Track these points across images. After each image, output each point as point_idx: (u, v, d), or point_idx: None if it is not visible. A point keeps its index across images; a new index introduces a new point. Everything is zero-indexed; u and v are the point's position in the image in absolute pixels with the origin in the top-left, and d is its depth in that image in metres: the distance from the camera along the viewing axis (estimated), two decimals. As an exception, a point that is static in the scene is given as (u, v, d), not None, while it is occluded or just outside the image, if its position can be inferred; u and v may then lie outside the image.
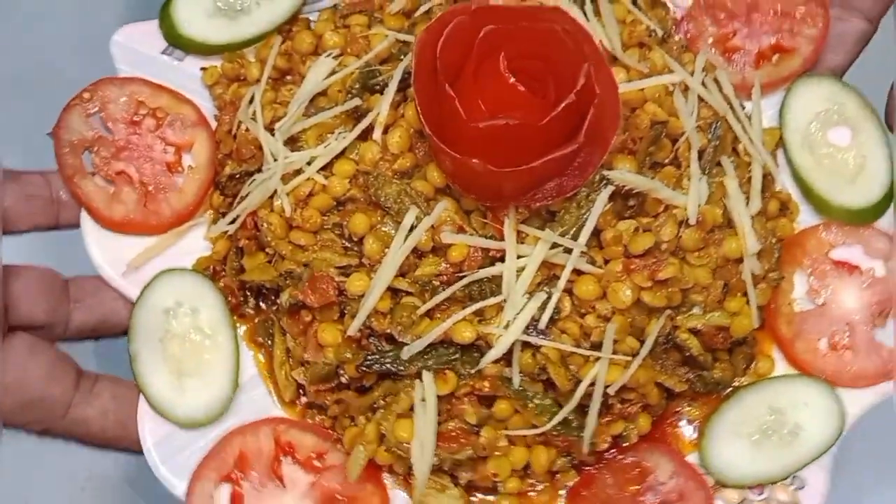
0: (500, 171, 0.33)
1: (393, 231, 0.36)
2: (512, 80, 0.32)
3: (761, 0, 0.47)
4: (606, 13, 0.41)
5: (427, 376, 0.36)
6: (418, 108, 0.33)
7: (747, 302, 0.39)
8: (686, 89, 0.40)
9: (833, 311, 0.42)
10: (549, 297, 0.36)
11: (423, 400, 0.36)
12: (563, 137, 0.33)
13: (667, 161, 0.40)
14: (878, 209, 0.43)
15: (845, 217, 0.43)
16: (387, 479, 0.39)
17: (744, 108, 0.43)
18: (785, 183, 0.44)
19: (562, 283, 0.36)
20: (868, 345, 0.41)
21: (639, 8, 0.43)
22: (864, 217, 0.43)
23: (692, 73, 0.41)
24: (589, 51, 0.34)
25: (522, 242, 0.36)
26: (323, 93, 0.39)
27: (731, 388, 0.41)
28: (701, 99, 0.41)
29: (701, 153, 0.40)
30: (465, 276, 0.36)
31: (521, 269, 0.36)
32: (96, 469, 0.55)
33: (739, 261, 0.39)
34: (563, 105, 0.32)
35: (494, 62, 0.32)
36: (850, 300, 0.42)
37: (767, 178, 0.42)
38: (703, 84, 0.41)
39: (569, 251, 0.36)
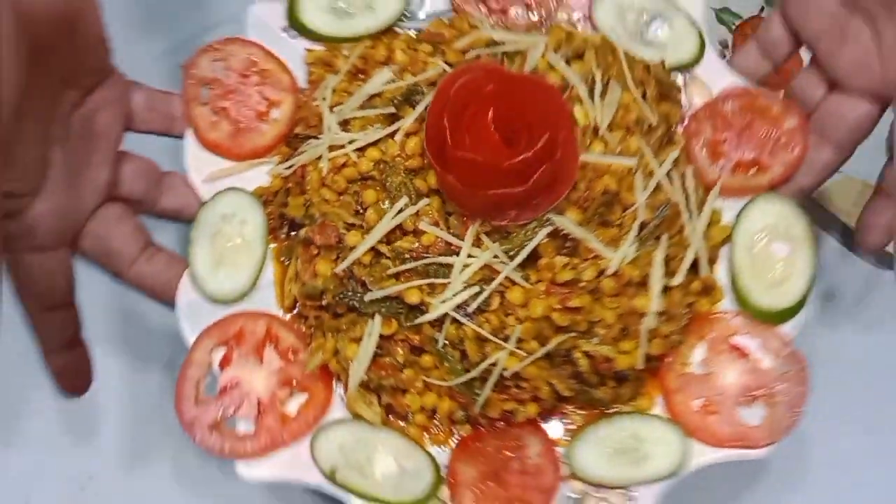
0: (466, 189, 0.44)
1: (388, 209, 0.49)
2: (492, 128, 0.44)
3: (756, 121, 0.56)
4: (611, 98, 0.51)
5: (378, 318, 0.48)
6: (426, 127, 0.46)
7: (637, 346, 0.49)
8: (651, 173, 0.51)
9: (714, 381, 0.51)
10: (481, 291, 0.47)
11: (370, 334, 0.48)
12: (519, 180, 0.44)
13: (617, 222, 0.50)
14: (783, 315, 0.52)
15: (755, 313, 0.52)
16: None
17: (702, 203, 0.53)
18: (721, 272, 0.54)
19: (493, 285, 0.47)
20: (730, 416, 0.50)
21: (646, 100, 0.53)
22: (771, 318, 0.52)
23: (661, 162, 0.51)
24: (562, 124, 0.45)
25: (479, 247, 0.48)
26: (378, 95, 0.52)
27: (614, 410, 0.52)
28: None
29: (646, 225, 0.50)
30: (428, 257, 0.48)
31: (469, 265, 0.48)
32: (97, 469, 0.59)
33: (644, 315, 0.49)
34: (520, 158, 0.43)
35: (486, 112, 0.44)
36: (731, 378, 0.51)
37: (700, 263, 0.52)
38: (669, 174, 0.51)
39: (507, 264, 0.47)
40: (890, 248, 0.62)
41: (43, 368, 0.55)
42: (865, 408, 0.60)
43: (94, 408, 0.59)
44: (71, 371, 0.52)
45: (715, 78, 0.57)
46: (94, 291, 0.55)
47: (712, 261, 0.54)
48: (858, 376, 0.61)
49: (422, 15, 0.59)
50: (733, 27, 0.73)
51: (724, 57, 0.67)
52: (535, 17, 0.59)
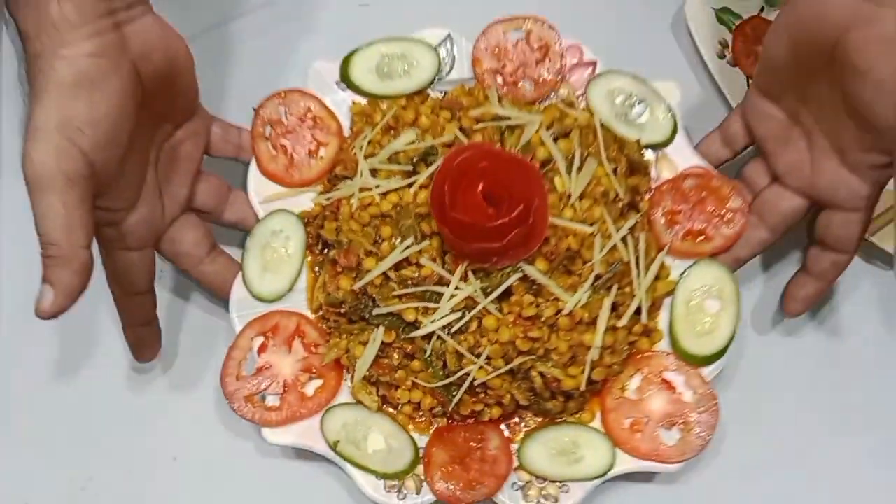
0: (456, 239, 0.58)
1: (398, 244, 0.62)
2: (481, 197, 0.57)
3: (708, 198, 0.68)
4: (585, 172, 0.64)
5: (381, 328, 0.62)
6: (432, 190, 0.59)
7: (582, 372, 0.62)
8: (610, 236, 0.63)
9: (643, 406, 0.64)
10: (463, 316, 0.61)
11: (374, 340, 0.62)
12: (497, 238, 0.58)
13: (577, 272, 0.63)
14: (706, 360, 0.64)
15: (684, 356, 0.65)
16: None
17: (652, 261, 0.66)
18: (663, 318, 0.66)
19: (473, 313, 0.60)
20: (651, 435, 0.63)
21: (616, 174, 0.66)
22: (695, 361, 0.65)
23: (619, 228, 0.64)
24: (536, 195, 0.58)
25: (465, 282, 0.62)
26: (403, 151, 0.66)
27: (560, 420, 0.65)
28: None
29: (600, 277, 0.63)
30: (425, 286, 0.61)
31: (455, 296, 0.61)
32: (97, 469, 0.62)
33: (590, 348, 0.62)
34: (498, 222, 0.56)
35: (478, 184, 0.58)
36: (657, 405, 0.64)
37: (642, 311, 0.64)
38: (625, 237, 0.64)
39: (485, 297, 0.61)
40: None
41: (42, 369, 0.64)
42: (867, 407, 0.69)
43: (95, 409, 0.65)
44: (143, 343, 0.66)
45: (681, 158, 0.70)
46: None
47: (656, 308, 0.66)
48: (858, 376, 0.69)
49: (450, 77, 0.72)
50: (733, 27, 0.77)
51: (723, 58, 0.77)
52: (541, 90, 0.72)
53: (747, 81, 0.76)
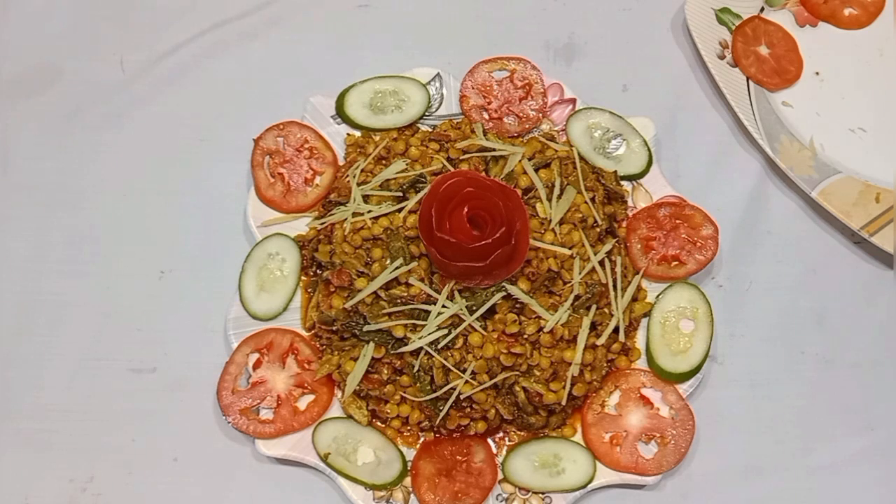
0: (442, 259, 0.62)
1: (389, 265, 0.66)
2: (466, 219, 0.61)
3: (681, 225, 0.72)
4: (565, 199, 0.68)
5: (371, 344, 0.65)
6: (419, 213, 0.63)
7: (563, 387, 0.65)
8: (588, 259, 0.67)
9: (622, 421, 0.67)
10: (449, 333, 0.64)
11: (365, 356, 0.65)
12: (481, 258, 0.61)
13: (558, 292, 0.67)
14: (681, 377, 0.68)
15: (660, 372, 0.68)
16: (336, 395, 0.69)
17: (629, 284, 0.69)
18: (640, 337, 0.70)
19: (458, 330, 0.64)
20: (630, 449, 0.66)
21: (594, 202, 0.70)
22: (671, 378, 0.68)
23: (596, 252, 0.67)
24: (517, 219, 0.62)
25: (451, 300, 0.65)
26: (393, 179, 0.70)
27: (543, 434, 0.68)
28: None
29: (579, 297, 0.66)
30: (413, 304, 0.65)
31: (442, 313, 0.64)
32: (97, 469, 0.61)
33: (570, 364, 0.65)
34: (481, 243, 0.60)
35: (463, 207, 0.62)
36: (635, 420, 0.67)
37: (619, 330, 0.68)
38: (603, 260, 0.68)
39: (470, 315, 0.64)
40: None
41: (42, 369, 0.64)
42: (866, 406, 0.68)
43: (95, 409, 0.66)
44: None
45: (656, 188, 0.74)
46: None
47: (634, 328, 0.70)
48: (858, 375, 0.69)
49: (439, 113, 0.77)
50: (733, 27, 0.77)
51: (723, 58, 0.76)
52: (524, 125, 0.76)
53: (747, 81, 0.76)
